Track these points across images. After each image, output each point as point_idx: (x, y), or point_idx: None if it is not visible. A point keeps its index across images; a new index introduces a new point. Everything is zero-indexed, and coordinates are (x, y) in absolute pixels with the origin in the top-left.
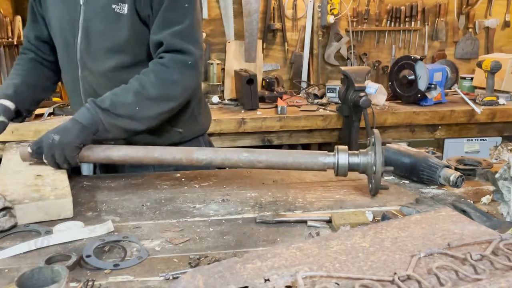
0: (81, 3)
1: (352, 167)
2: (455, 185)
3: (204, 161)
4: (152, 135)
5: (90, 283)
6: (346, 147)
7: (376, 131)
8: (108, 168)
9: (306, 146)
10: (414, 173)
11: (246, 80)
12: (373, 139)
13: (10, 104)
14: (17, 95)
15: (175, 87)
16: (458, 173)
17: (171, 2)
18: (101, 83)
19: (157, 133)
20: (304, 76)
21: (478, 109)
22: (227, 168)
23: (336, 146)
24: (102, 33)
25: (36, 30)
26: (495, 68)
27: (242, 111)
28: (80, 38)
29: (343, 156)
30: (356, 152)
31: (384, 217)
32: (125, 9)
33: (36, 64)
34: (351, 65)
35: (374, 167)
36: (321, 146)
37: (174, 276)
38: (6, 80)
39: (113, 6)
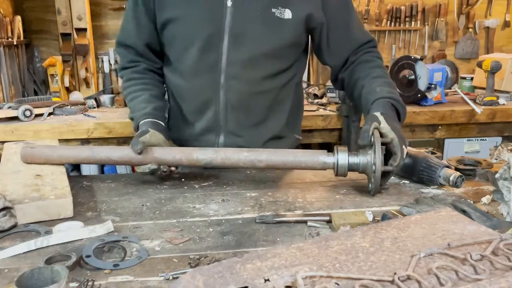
0: (228, 4)
1: (351, 167)
2: (455, 185)
3: (204, 161)
4: (277, 145)
5: (90, 283)
6: (346, 147)
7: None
8: None
9: (306, 146)
10: (414, 173)
11: None
12: (372, 139)
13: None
14: (155, 110)
15: None
16: (458, 173)
17: (350, 2)
18: (250, 91)
19: (282, 143)
20: (304, 76)
21: (478, 109)
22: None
23: (335, 146)
24: (260, 38)
25: (146, 37)
26: (495, 68)
27: None
28: (228, 42)
29: (342, 156)
30: (356, 152)
31: (384, 217)
32: (285, 13)
33: (152, 74)
34: None
35: (373, 166)
36: (321, 146)
37: (174, 276)
38: (134, 101)
39: (273, 10)
